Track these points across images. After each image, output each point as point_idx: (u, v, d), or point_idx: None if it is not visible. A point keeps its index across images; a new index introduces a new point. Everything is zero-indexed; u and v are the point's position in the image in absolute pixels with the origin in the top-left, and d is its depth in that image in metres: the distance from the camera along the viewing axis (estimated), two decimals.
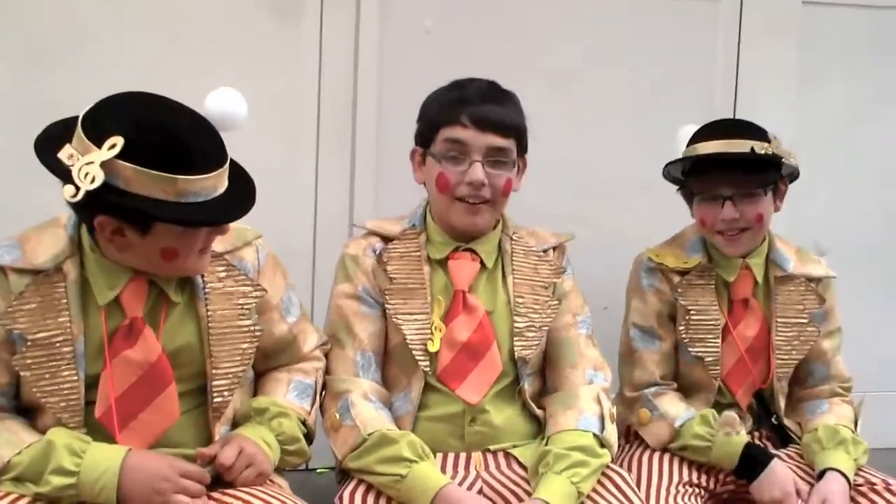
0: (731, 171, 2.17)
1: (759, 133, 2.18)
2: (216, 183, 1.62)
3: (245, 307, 1.83)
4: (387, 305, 2.00)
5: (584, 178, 2.85)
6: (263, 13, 2.62)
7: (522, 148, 2.06)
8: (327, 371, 2.02)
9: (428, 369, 1.98)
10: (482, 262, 2.05)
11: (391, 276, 2.02)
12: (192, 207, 1.59)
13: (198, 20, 2.58)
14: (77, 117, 1.61)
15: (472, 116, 1.97)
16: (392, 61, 2.70)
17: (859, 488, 2.12)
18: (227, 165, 1.65)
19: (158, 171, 1.55)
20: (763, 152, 2.14)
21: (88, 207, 1.60)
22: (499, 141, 1.99)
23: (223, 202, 1.64)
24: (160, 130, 1.59)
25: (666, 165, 2.28)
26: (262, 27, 2.63)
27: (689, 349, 2.24)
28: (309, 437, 1.93)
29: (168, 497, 1.65)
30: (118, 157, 1.54)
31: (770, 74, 2.96)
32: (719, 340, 2.24)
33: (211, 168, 1.61)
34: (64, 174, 1.56)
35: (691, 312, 2.23)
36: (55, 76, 2.48)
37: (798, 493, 2.10)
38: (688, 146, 2.25)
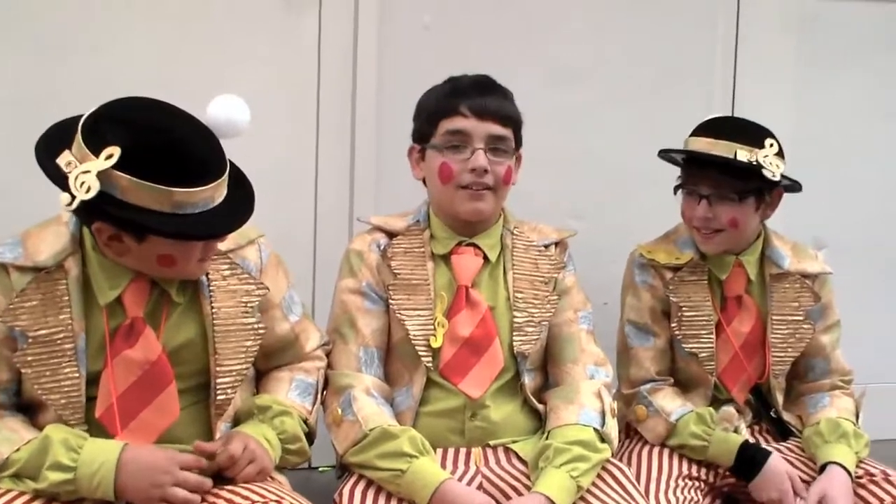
0: (713, 172, 2.17)
1: (753, 138, 2.16)
2: (214, 194, 1.62)
3: (249, 305, 1.83)
4: (390, 301, 2.01)
5: (585, 173, 2.85)
6: (262, 8, 2.62)
7: (518, 140, 2.07)
8: (330, 366, 2.02)
9: (430, 364, 1.99)
10: (485, 257, 2.06)
11: (395, 271, 2.02)
12: (189, 219, 1.59)
13: (197, 15, 2.57)
14: (79, 118, 1.61)
15: (471, 106, 1.99)
16: (391, 56, 2.70)
17: (859, 480, 2.13)
18: (225, 176, 1.65)
19: (155, 184, 1.56)
20: (746, 160, 2.13)
21: (86, 214, 1.61)
22: (498, 129, 2.01)
23: (220, 214, 1.64)
24: (158, 141, 1.58)
25: (659, 152, 2.30)
26: (261, 22, 2.62)
27: (684, 345, 2.24)
28: (310, 437, 1.93)
29: (166, 490, 1.65)
30: (115, 167, 1.54)
31: (769, 68, 2.96)
32: (713, 336, 2.24)
33: (209, 179, 1.61)
34: (61, 181, 1.56)
35: (683, 309, 2.23)
36: (61, 72, 2.47)
37: (795, 489, 2.10)
38: (688, 137, 2.25)
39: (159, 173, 1.56)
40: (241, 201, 1.69)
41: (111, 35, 2.51)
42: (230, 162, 1.68)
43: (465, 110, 2.00)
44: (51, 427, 1.69)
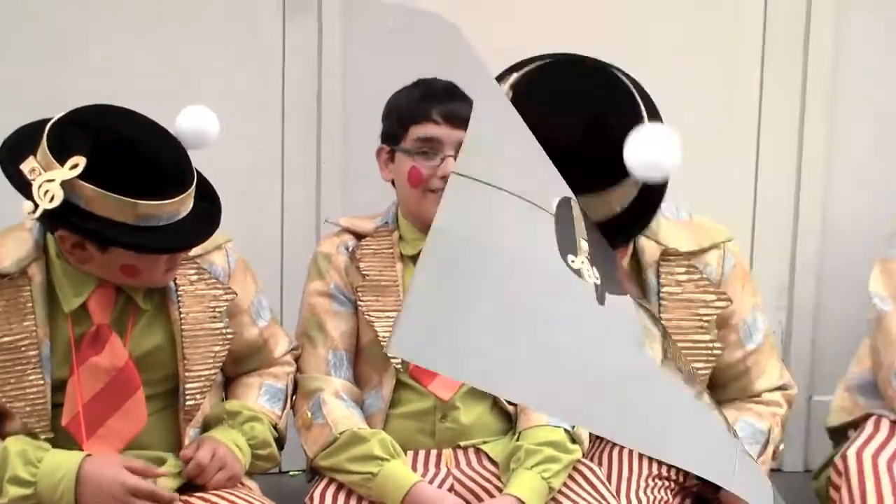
0: None
1: None
2: (179, 207, 1.61)
3: (216, 310, 1.82)
4: (359, 303, 2.00)
5: None
6: (226, 13, 2.61)
7: None
8: (299, 369, 2.01)
9: (400, 366, 1.98)
10: None
11: (364, 273, 2.01)
12: (152, 232, 1.59)
13: (163, 22, 2.56)
14: (46, 123, 1.59)
15: (442, 113, 1.98)
16: (356, 59, 2.69)
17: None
18: (192, 189, 1.63)
19: (119, 195, 1.55)
20: None
21: (49, 221, 1.60)
22: None
23: (185, 226, 1.63)
24: (124, 152, 1.58)
25: None
26: (226, 28, 2.60)
27: None
28: (280, 442, 1.93)
29: None
30: (80, 176, 1.53)
31: None
32: None
33: (175, 192, 1.60)
34: (24, 188, 1.55)
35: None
36: (58, 74, 2.45)
37: None
38: None
39: (125, 185, 1.55)
40: (207, 214, 1.68)
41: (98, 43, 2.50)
42: (197, 173, 1.67)
43: (437, 117, 1.99)
44: (10, 439, 1.67)
